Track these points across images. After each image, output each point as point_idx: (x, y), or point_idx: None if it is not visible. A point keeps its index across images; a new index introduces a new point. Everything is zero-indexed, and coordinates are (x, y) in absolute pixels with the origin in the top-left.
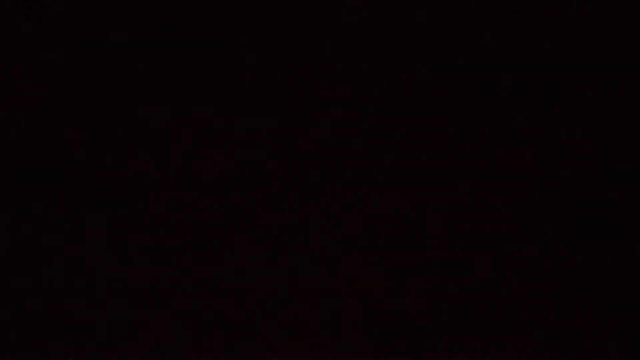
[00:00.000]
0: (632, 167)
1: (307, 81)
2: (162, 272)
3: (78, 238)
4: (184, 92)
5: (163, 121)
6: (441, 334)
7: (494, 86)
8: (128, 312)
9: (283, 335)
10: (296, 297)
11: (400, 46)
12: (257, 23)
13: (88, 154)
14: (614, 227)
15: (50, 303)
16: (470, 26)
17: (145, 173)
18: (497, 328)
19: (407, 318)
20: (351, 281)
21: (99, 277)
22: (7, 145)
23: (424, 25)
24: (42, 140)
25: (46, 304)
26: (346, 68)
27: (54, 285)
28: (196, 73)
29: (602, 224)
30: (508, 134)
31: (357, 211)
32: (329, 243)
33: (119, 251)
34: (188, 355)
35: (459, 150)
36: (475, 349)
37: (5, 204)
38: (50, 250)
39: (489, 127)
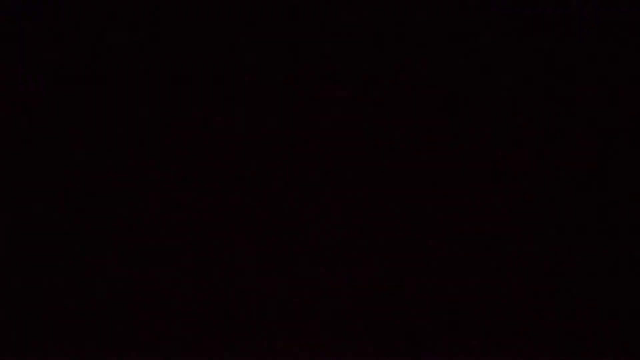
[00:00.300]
0: (632, 167)
1: (307, 81)
2: (162, 272)
3: (78, 238)
4: (184, 92)
5: (163, 121)
6: (441, 334)
7: (494, 86)
8: (128, 313)
9: (283, 335)
10: (296, 297)
11: (400, 46)
12: (257, 23)
13: (88, 154)
14: (614, 227)
15: (51, 303)
16: (471, 26)
17: (145, 173)
18: (497, 328)
19: (407, 318)
20: (351, 281)
21: (99, 277)
22: (7, 145)
23: (424, 25)
24: (41, 140)
25: (46, 304)
26: (346, 68)
27: (54, 285)
28: (196, 73)
29: (602, 224)
30: (508, 134)
31: (357, 211)
32: (329, 243)
33: (118, 251)
34: (188, 356)
35: (459, 150)
36: (475, 349)
37: (5, 204)
38: (50, 251)
39: (489, 127)
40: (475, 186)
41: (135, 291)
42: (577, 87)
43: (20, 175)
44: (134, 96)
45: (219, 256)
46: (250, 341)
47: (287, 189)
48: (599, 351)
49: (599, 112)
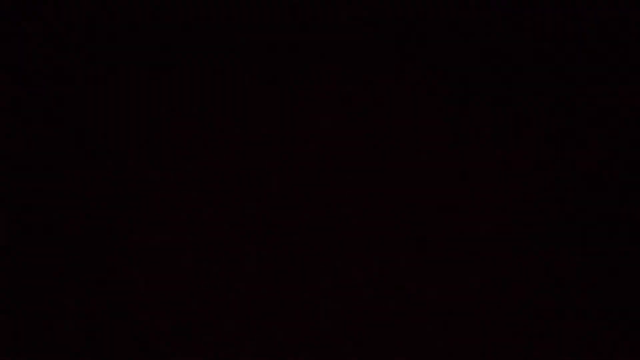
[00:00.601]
0: (633, 168)
1: (307, 81)
2: (162, 272)
3: (78, 238)
4: (184, 93)
5: (163, 121)
6: (442, 334)
7: (495, 86)
8: (131, 313)
9: (284, 336)
10: (296, 298)
11: (400, 47)
12: (257, 23)
13: (87, 155)
14: (614, 227)
15: (54, 304)
16: (471, 26)
17: (144, 173)
18: (497, 329)
19: (407, 318)
20: (350, 281)
21: (100, 277)
22: (6, 145)
23: (424, 26)
24: (41, 140)
25: (47, 305)
26: (346, 68)
27: (56, 286)
28: (196, 74)
29: (603, 224)
30: (509, 134)
31: (357, 211)
32: (329, 244)
33: (119, 251)
34: (188, 356)
35: (459, 150)
36: (475, 349)
37: (5, 204)
38: (50, 251)
39: (489, 127)
40: (475, 186)
41: (138, 292)
42: (579, 87)
43: (20, 175)
44: (134, 96)
45: (218, 257)
46: (250, 342)
47: (286, 190)
48: (599, 351)
49: (602, 111)
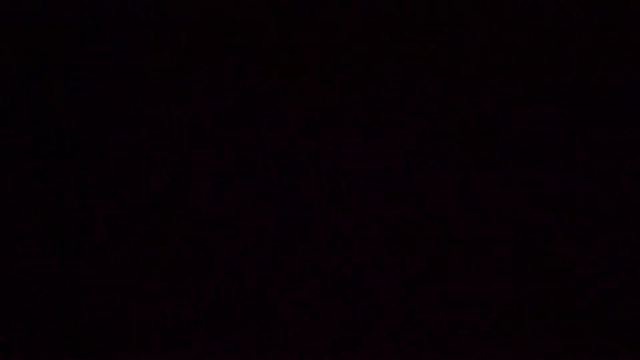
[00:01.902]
0: (633, 169)
1: (307, 82)
2: (164, 270)
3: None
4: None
5: (163, 120)
6: (446, 335)
7: (494, 86)
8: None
9: (290, 333)
10: (296, 294)
11: (398, 47)
12: (257, 23)
13: (90, 152)
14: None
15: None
16: (470, 26)
17: (146, 170)
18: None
19: (412, 319)
20: (355, 281)
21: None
22: (7, 145)
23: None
24: (43, 138)
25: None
26: (345, 68)
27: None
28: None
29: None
30: (509, 135)
31: (359, 212)
32: (331, 243)
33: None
34: (189, 355)
35: (459, 150)
36: (477, 349)
37: (6, 203)
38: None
39: (490, 127)
40: (475, 188)
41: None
42: (579, 86)
43: (20, 174)
44: (135, 95)
45: (219, 256)
46: (258, 339)
47: (286, 190)
48: (599, 351)
49: (601, 111)
